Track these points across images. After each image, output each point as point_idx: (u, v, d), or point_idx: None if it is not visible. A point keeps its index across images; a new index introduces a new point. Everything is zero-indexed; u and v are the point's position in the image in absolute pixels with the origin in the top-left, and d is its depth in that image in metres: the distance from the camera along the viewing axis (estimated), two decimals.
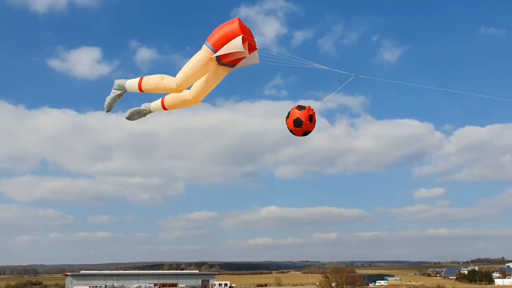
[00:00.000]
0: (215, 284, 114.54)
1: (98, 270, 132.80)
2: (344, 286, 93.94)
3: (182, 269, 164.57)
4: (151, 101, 6.31)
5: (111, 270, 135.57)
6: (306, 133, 5.60)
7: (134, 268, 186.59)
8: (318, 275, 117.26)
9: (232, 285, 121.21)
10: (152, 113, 6.50)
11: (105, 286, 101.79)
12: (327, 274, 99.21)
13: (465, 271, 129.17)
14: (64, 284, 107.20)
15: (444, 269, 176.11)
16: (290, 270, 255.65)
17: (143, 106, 6.50)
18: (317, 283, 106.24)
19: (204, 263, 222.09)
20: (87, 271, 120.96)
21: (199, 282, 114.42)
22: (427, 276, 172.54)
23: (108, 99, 6.13)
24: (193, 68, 5.41)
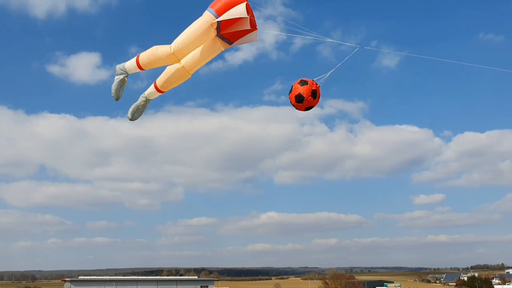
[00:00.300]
0: None
1: (97, 276, 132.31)
2: None
3: (181, 275, 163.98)
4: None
5: (110, 276, 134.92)
6: (308, 108, 5.57)
7: (133, 274, 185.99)
8: (318, 281, 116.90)
9: None
10: (150, 102, 6.37)
11: None
12: (327, 280, 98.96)
13: (464, 278, 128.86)
14: None
15: (444, 276, 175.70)
16: (289, 276, 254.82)
17: (140, 99, 6.42)
18: None
19: (203, 269, 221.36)
20: (86, 277, 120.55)
21: None
22: (427, 282, 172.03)
23: (113, 86, 6.05)
24: (192, 34, 5.22)
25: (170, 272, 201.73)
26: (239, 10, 5.15)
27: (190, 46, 5.42)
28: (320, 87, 5.39)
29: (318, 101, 5.42)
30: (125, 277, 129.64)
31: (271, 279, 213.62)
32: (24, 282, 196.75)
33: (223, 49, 5.69)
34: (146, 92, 6.27)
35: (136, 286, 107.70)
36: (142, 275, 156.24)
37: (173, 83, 6.02)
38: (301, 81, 5.40)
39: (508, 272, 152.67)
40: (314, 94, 5.32)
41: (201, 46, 5.53)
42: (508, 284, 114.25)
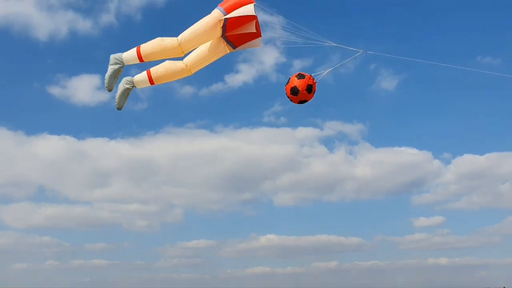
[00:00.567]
0: None
1: None
2: None
3: None
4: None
5: None
6: (302, 101, 5.64)
7: None
8: None
9: None
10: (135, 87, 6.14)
11: None
12: None
13: None
14: None
15: None
16: None
17: (125, 83, 6.12)
18: None
19: None
20: None
21: None
22: None
23: (106, 76, 5.82)
24: (200, 28, 5.32)
25: None
26: (247, 9, 5.32)
27: (197, 39, 5.51)
28: (316, 83, 5.48)
29: (312, 96, 5.54)
30: None
31: None
32: None
33: (228, 52, 5.77)
34: (135, 79, 6.06)
35: None
36: None
37: (171, 78, 5.97)
38: (298, 74, 5.51)
39: None
40: (310, 88, 5.42)
41: (206, 45, 5.60)
42: None
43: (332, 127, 17.61)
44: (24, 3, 16.47)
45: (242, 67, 16.97)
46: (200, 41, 5.53)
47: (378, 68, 16.64)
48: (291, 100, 5.57)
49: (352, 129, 17.65)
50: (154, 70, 5.98)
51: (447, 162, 17.26)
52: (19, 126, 17.48)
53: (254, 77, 17.08)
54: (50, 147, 18.29)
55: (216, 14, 5.37)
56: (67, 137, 17.87)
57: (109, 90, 5.96)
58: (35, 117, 17.99)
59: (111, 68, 5.78)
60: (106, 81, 5.84)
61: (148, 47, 5.68)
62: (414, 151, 18.27)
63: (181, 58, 5.68)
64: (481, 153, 17.27)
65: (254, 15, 5.33)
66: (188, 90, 17.29)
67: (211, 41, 5.58)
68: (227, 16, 5.30)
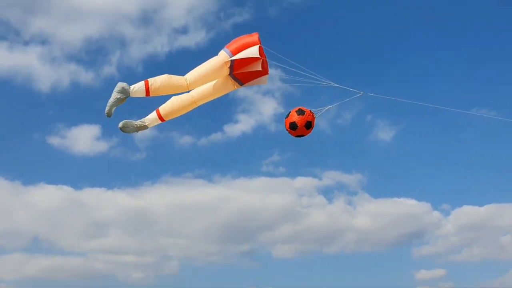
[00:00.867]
0: None
1: None
2: None
3: None
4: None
5: None
6: (299, 135, 5.72)
7: None
8: None
9: None
10: (148, 128, 6.15)
11: None
12: None
13: None
14: None
15: None
16: None
17: (139, 121, 6.17)
18: None
19: None
20: None
21: None
22: None
23: (109, 103, 5.75)
24: (207, 69, 5.51)
25: None
26: (252, 51, 5.49)
27: (203, 80, 5.65)
28: (315, 119, 5.57)
29: (310, 132, 5.64)
30: None
31: None
32: None
33: (235, 88, 5.90)
34: (147, 118, 6.12)
35: None
36: None
37: (179, 112, 6.04)
38: (299, 109, 5.58)
39: None
40: (308, 125, 5.52)
41: (214, 83, 5.75)
42: None
43: (331, 177, 17.51)
44: (28, 56, 16.68)
45: (241, 117, 17.06)
46: (206, 80, 5.71)
47: (375, 119, 16.76)
48: (289, 133, 5.71)
49: (350, 179, 17.57)
50: (162, 109, 6.11)
51: (447, 213, 17.08)
52: (16, 176, 17.32)
53: (253, 127, 17.13)
54: (47, 197, 18.14)
55: (223, 56, 5.57)
56: (65, 187, 17.67)
57: (108, 116, 5.93)
58: (33, 167, 17.87)
59: (115, 96, 5.77)
60: (107, 107, 5.83)
61: (157, 82, 5.79)
62: (413, 202, 18.12)
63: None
64: (481, 204, 17.11)
65: (259, 57, 5.51)
66: (187, 139, 17.30)
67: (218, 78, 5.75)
68: (233, 58, 5.49)
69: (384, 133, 17.06)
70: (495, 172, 16.65)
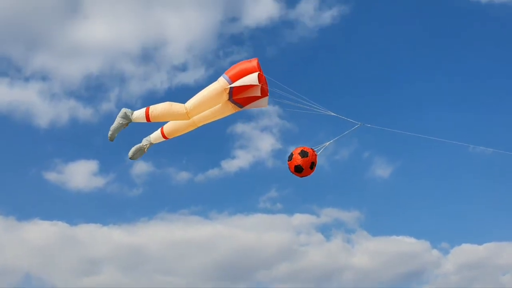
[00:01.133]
0: None
1: None
2: None
3: None
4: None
5: None
6: (297, 168, 5.71)
7: None
8: None
9: None
10: (152, 145, 6.27)
11: None
12: None
13: None
14: None
15: None
16: None
17: (144, 141, 6.30)
18: None
19: None
20: None
21: None
22: None
23: (112, 128, 5.91)
24: (206, 96, 5.56)
25: None
26: (252, 79, 5.49)
27: (203, 107, 5.67)
28: (316, 155, 5.60)
29: (308, 165, 5.64)
30: None
31: None
32: None
33: (234, 112, 5.92)
34: (151, 136, 6.26)
35: None
36: None
37: (180, 132, 6.18)
38: (301, 151, 5.57)
39: None
40: (312, 165, 5.54)
41: (213, 107, 5.81)
42: None
43: (328, 214, 17.36)
44: (28, 91, 16.83)
45: (239, 153, 17.07)
46: (206, 107, 5.78)
47: (372, 155, 16.78)
48: (293, 174, 5.72)
49: (348, 216, 17.42)
50: (165, 128, 6.23)
51: (446, 252, 16.87)
52: (11, 212, 17.12)
53: (251, 162, 17.11)
54: (41, 233, 17.88)
55: (222, 83, 5.62)
56: (59, 222, 17.44)
57: (111, 140, 6.10)
58: (29, 202, 17.70)
59: (118, 121, 5.99)
60: (110, 132, 6.01)
61: (157, 109, 5.92)
62: (412, 240, 17.91)
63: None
64: (480, 242, 16.92)
65: (258, 85, 5.53)
66: (184, 176, 17.25)
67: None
68: (232, 86, 5.52)
69: (382, 170, 17.03)
70: (494, 210, 16.56)
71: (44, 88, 16.24)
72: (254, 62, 5.58)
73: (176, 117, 5.76)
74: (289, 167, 5.64)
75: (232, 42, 16.56)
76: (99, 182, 16.90)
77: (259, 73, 5.46)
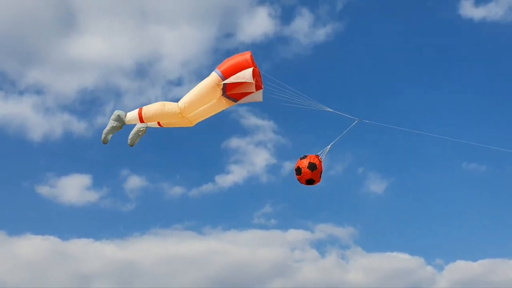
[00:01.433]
0: None
1: None
2: None
3: None
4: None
5: None
6: (309, 181, 5.49)
7: None
8: None
9: None
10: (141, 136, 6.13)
11: None
12: None
13: None
14: None
15: None
16: None
17: (140, 125, 6.11)
18: None
19: None
20: None
21: None
22: None
23: (105, 131, 5.75)
24: (199, 93, 5.39)
25: None
26: (246, 75, 5.27)
27: (196, 105, 5.48)
28: (322, 161, 5.44)
29: (318, 176, 5.44)
30: None
31: None
32: None
33: (228, 106, 5.73)
34: (146, 125, 6.14)
35: None
36: None
37: (175, 125, 6.02)
38: (309, 164, 5.49)
39: None
40: (311, 166, 5.37)
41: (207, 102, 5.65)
42: None
43: (323, 230, 17.30)
44: (22, 105, 16.80)
45: (233, 168, 17.05)
46: (200, 105, 5.55)
47: (366, 171, 16.82)
48: (299, 181, 5.57)
49: (343, 232, 17.37)
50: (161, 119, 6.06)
51: (440, 268, 16.82)
52: (1, 226, 16.95)
53: (245, 178, 17.07)
54: (32, 247, 17.68)
55: (214, 78, 5.32)
56: (51, 237, 17.27)
57: (104, 143, 5.92)
58: (20, 216, 17.54)
59: (111, 124, 5.81)
60: (103, 135, 5.85)
61: (150, 110, 5.74)
62: (406, 256, 17.87)
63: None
64: (474, 259, 16.91)
65: (251, 82, 5.36)
66: (177, 190, 17.19)
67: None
68: (225, 82, 5.33)
69: (376, 186, 17.05)
70: (489, 227, 16.58)
71: (38, 102, 16.22)
72: (247, 56, 5.40)
73: (170, 117, 5.61)
74: (299, 180, 5.52)
75: (227, 57, 16.64)
76: (92, 196, 16.79)
77: (253, 69, 5.28)
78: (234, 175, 16.98)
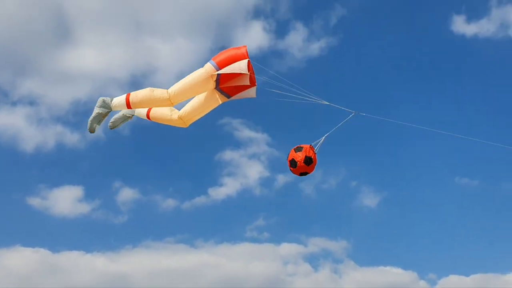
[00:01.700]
0: None
1: None
2: None
3: None
4: None
5: None
6: (303, 173, 5.44)
7: None
8: None
9: None
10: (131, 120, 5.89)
11: None
12: None
13: None
14: None
15: None
16: None
17: (127, 111, 5.89)
18: None
19: None
20: None
21: None
22: None
23: (90, 119, 5.47)
24: (191, 81, 5.20)
25: None
26: (240, 66, 5.17)
27: (187, 93, 5.27)
28: (316, 154, 5.39)
29: (313, 169, 5.41)
30: None
31: None
32: None
33: (221, 102, 5.55)
34: (137, 110, 5.87)
35: None
36: None
37: (166, 120, 5.84)
38: (297, 147, 5.42)
39: None
40: (308, 160, 5.31)
41: (200, 98, 5.45)
42: None
43: (316, 243, 17.24)
44: (15, 116, 16.76)
45: (227, 180, 17.04)
46: (191, 94, 5.35)
47: (359, 185, 16.82)
48: (292, 172, 5.52)
49: (336, 246, 17.32)
50: (153, 115, 5.86)
51: (433, 283, 16.80)
52: None
53: (238, 190, 17.04)
54: (22, 260, 17.47)
55: (209, 69, 5.15)
56: (41, 249, 17.08)
57: (91, 132, 5.69)
58: (10, 228, 17.36)
59: (96, 111, 5.55)
60: (89, 123, 5.62)
61: (138, 96, 5.51)
62: (399, 270, 17.83)
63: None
64: (467, 274, 16.90)
65: (247, 73, 5.26)
66: (170, 203, 17.11)
67: (204, 92, 5.50)
68: (220, 72, 5.24)
69: (369, 200, 17.05)
70: (481, 241, 16.61)
71: (31, 113, 16.18)
72: (243, 49, 5.35)
73: (158, 103, 5.42)
74: (292, 171, 5.40)
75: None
76: (84, 208, 16.67)
77: (248, 60, 5.21)
78: (227, 188, 16.93)
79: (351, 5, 17.04)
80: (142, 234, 17.66)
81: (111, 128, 5.88)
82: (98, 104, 5.46)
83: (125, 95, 5.45)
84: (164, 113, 5.65)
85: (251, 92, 5.50)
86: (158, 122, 5.74)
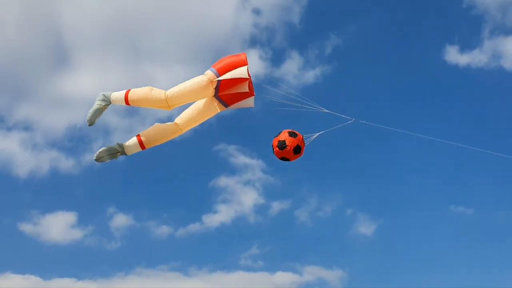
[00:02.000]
0: None
1: None
2: None
3: None
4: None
5: None
6: (284, 158, 5.31)
7: None
8: None
9: None
10: (126, 155, 5.73)
11: None
12: None
13: None
14: None
15: None
16: None
17: (116, 145, 5.73)
18: None
19: None
20: None
21: None
22: None
23: (90, 111, 5.42)
24: (190, 87, 5.23)
25: None
26: (241, 72, 5.17)
27: (185, 97, 5.21)
28: (305, 146, 5.27)
29: (296, 158, 5.31)
30: None
31: None
32: None
33: (219, 111, 5.51)
34: (126, 144, 5.68)
35: None
36: None
37: (162, 140, 5.69)
38: (291, 131, 5.27)
39: None
40: (297, 149, 5.17)
41: (198, 106, 5.39)
42: None
43: (311, 272, 17.03)
44: (10, 141, 16.77)
45: (221, 207, 16.94)
46: (188, 99, 5.30)
47: (355, 213, 16.76)
48: (273, 152, 5.34)
49: (332, 275, 17.10)
50: (144, 136, 5.71)
51: None
52: None
53: (232, 218, 16.91)
54: (12, 287, 17.17)
55: (209, 76, 5.19)
56: (32, 276, 16.76)
57: (90, 125, 5.62)
58: (0, 254, 17.09)
59: (97, 104, 5.54)
60: (88, 115, 5.56)
61: (136, 93, 5.49)
62: None
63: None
64: None
65: (247, 78, 5.29)
66: (164, 230, 16.93)
67: (202, 99, 5.48)
68: (220, 78, 5.25)
69: (365, 228, 16.97)
70: (476, 271, 16.50)
71: (26, 138, 16.16)
72: (242, 56, 5.39)
73: (154, 103, 5.43)
74: (272, 143, 5.27)
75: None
76: (77, 234, 16.47)
77: (248, 67, 5.25)
78: (221, 215, 16.82)
79: (346, 35, 17.34)
80: (135, 261, 17.41)
81: (90, 125, 5.66)
82: (98, 97, 5.52)
83: (125, 91, 5.50)
84: (159, 129, 5.60)
85: (249, 102, 5.52)
86: (156, 144, 5.67)
